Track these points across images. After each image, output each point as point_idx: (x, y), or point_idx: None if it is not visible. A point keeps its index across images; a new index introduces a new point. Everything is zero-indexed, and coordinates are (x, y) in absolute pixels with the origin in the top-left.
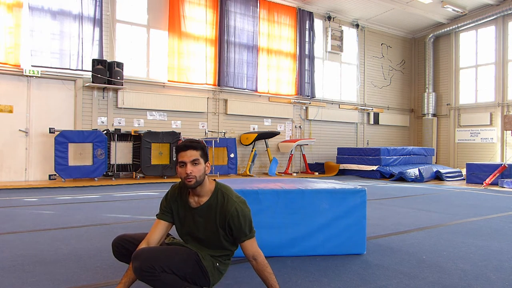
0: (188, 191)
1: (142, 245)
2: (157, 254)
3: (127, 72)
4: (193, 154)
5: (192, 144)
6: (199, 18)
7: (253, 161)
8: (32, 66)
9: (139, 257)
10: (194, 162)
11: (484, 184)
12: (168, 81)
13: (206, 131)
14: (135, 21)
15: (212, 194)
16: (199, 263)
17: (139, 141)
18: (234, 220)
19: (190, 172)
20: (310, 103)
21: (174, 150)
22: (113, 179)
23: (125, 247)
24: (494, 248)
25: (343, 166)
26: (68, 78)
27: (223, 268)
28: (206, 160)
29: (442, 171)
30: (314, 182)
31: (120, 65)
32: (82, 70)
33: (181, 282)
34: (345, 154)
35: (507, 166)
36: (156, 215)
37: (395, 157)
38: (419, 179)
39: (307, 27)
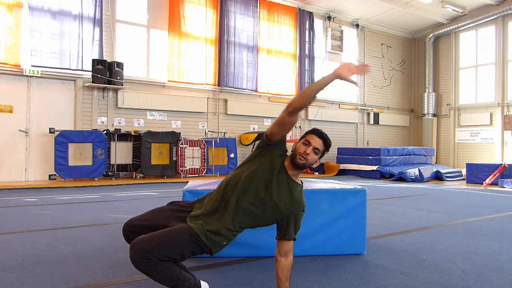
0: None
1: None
2: (151, 242)
3: (127, 72)
4: (320, 145)
5: (325, 138)
6: (199, 18)
7: None
8: (32, 66)
9: (134, 247)
10: (315, 150)
11: (484, 184)
12: (168, 81)
13: (206, 131)
14: (135, 21)
15: (300, 184)
16: (199, 243)
17: (139, 141)
18: (299, 215)
19: (307, 154)
20: None
21: (307, 131)
22: (113, 179)
23: (134, 232)
24: (494, 248)
25: (343, 166)
26: (68, 78)
27: (225, 244)
28: (321, 157)
29: (442, 171)
30: (314, 182)
31: (120, 65)
32: (82, 70)
33: (180, 273)
34: (345, 154)
35: (507, 166)
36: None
37: (395, 157)
38: (419, 179)
39: (307, 27)
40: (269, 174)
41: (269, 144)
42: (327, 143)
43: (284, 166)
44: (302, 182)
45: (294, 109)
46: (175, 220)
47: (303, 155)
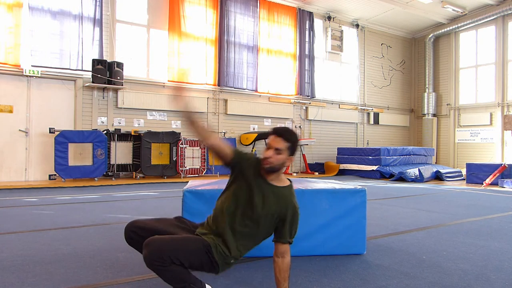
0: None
1: (212, 135)
2: (167, 244)
3: (127, 72)
4: (280, 143)
5: (285, 135)
6: (199, 18)
7: None
8: (32, 66)
9: (149, 246)
10: (277, 150)
11: (484, 184)
12: (168, 81)
13: None
14: (135, 21)
15: (287, 186)
16: (210, 254)
17: (139, 141)
18: (294, 216)
19: (269, 157)
20: (310, 103)
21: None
22: (113, 179)
23: (135, 233)
24: (494, 248)
25: (343, 166)
26: (68, 78)
27: (232, 263)
28: (291, 154)
29: (442, 171)
30: (314, 182)
31: (120, 65)
32: (82, 70)
33: (189, 276)
34: (345, 154)
35: (507, 166)
36: (233, 148)
37: (395, 157)
38: (419, 179)
39: (307, 27)
40: (248, 191)
41: (232, 164)
42: (287, 137)
43: (261, 175)
44: (291, 182)
45: (203, 144)
46: (182, 232)
47: (266, 160)
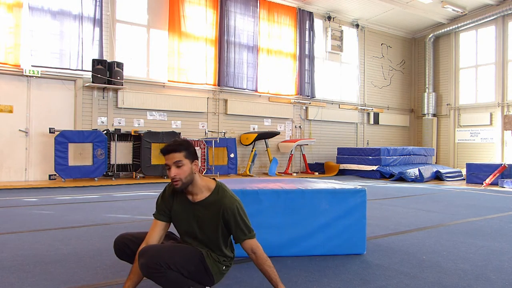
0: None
1: (142, 247)
2: (163, 251)
3: (127, 72)
4: (176, 156)
5: (174, 147)
6: (199, 18)
7: (253, 161)
8: (32, 66)
9: (146, 254)
10: (178, 165)
11: (484, 184)
12: (168, 81)
13: (206, 131)
14: (135, 21)
15: (213, 191)
16: (203, 262)
17: (139, 141)
18: (235, 215)
19: (175, 175)
20: (310, 103)
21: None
22: (113, 179)
23: (127, 246)
24: (494, 248)
25: (343, 166)
26: (68, 78)
27: (225, 270)
28: (193, 159)
29: (442, 171)
30: (314, 182)
31: (120, 65)
32: (82, 70)
33: (186, 280)
34: (345, 154)
35: (507, 166)
36: (153, 215)
37: (395, 157)
38: (419, 179)
39: (307, 27)
40: (186, 220)
41: (170, 220)
42: (176, 149)
43: (182, 195)
44: (216, 182)
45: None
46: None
47: (174, 180)
